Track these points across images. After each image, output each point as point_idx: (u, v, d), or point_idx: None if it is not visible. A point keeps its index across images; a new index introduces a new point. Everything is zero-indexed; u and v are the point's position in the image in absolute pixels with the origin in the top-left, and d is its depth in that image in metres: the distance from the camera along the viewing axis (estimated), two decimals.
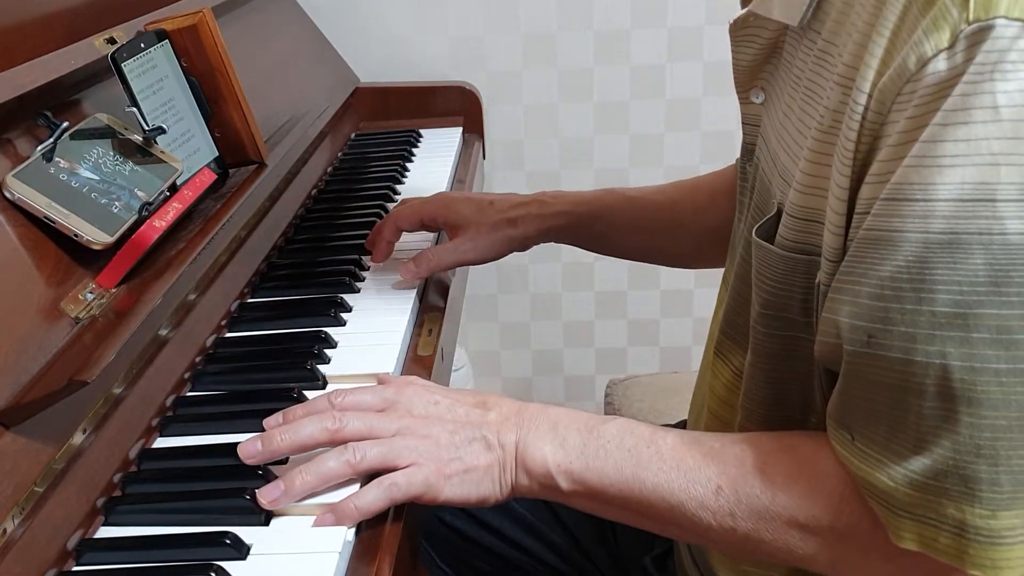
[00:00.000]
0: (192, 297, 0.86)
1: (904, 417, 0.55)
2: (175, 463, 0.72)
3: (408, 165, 1.38)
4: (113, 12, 0.93)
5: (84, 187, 0.75)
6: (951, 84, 0.51)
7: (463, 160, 1.46)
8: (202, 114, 0.95)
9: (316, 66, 1.48)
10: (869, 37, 0.56)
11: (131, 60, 0.86)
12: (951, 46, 0.50)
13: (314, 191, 1.26)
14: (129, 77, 0.85)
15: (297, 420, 0.68)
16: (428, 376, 0.85)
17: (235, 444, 0.72)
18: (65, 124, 0.76)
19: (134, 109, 0.85)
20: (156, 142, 0.86)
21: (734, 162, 1.02)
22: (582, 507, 0.69)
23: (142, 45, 0.88)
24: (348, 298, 0.95)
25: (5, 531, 0.57)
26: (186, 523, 0.65)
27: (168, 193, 0.84)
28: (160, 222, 0.80)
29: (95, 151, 0.79)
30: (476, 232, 0.98)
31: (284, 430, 0.67)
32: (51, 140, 0.75)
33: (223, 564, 0.60)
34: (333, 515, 0.64)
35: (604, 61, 1.69)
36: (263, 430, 0.73)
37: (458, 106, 1.60)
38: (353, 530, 0.65)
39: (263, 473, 0.67)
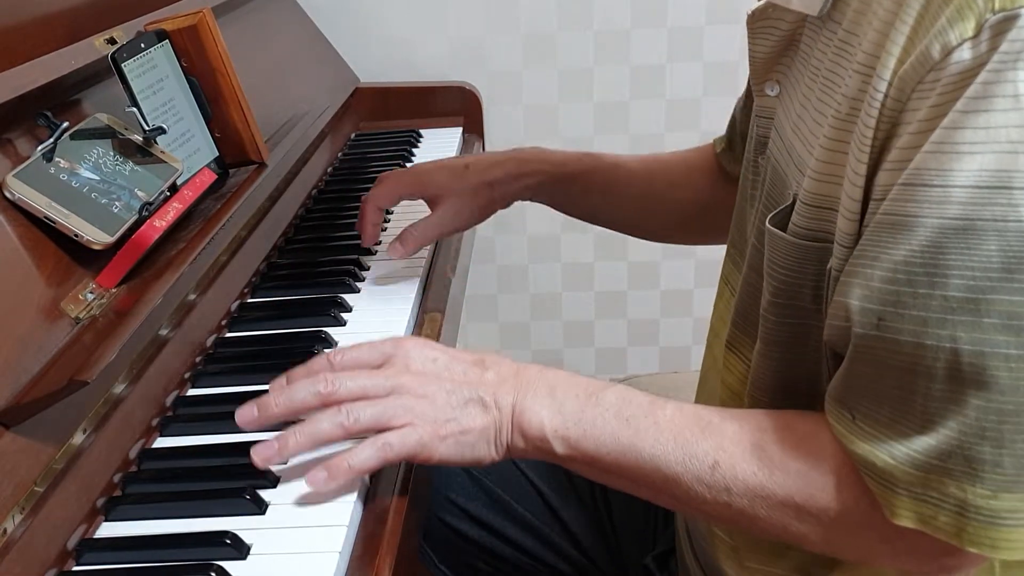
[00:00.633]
0: (192, 297, 0.86)
1: (911, 398, 0.55)
2: (175, 463, 0.72)
3: (408, 165, 1.38)
4: (113, 12, 0.93)
5: (84, 187, 0.75)
6: (974, 73, 0.51)
7: None
8: (202, 114, 0.95)
9: (316, 66, 1.48)
10: (891, 25, 0.56)
11: (131, 60, 0.86)
12: (976, 35, 0.51)
13: (314, 191, 1.26)
14: (129, 77, 0.85)
15: (292, 384, 0.68)
16: None
17: (235, 444, 0.73)
18: (65, 124, 0.76)
19: (134, 109, 0.85)
20: (156, 142, 0.86)
21: (712, 141, 1.03)
22: (577, 471, 0.69)
23: (142, 45, 0.88)
24: (348, 298, 0.95)
25: (5, 531, 0.57)
26: (186, 523, 0.65)
27: (168, 193, 0.84)
28: (160, 222, 0.80)
29: (95, 151, 0.79)
30: (457, 200, 0.97)
31: (279, 394, 0.67)
32: (51, 140, 0.75)
33: (223, 564, 0.60)
34: (326, 471, 0.65)
35: (604, 61, 1.69)
36: (263, 429, 0.73)
37: (458, 106, 1.60)
38: (360, 510, 0.65)
39: (263, 473, 0.67)
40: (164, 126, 0.86)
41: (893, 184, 0.55)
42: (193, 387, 0.81)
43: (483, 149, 1.58)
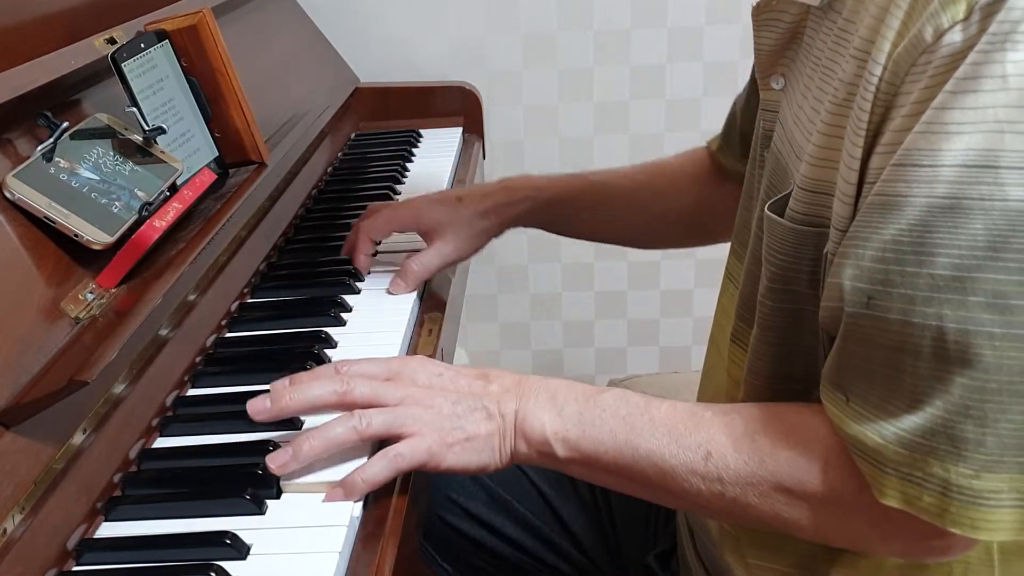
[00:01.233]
0: (192, 297, 0.86)
1: (899, 377, 0.56)
2: (175, 463, 0.72)
3: (408, 165, 1.38)
4: (113, 12, 0.93)
5: (84, 187, 0.75)
6: (964, 54, 0.52)
7: (463, 160, 1.46)
8: (202, 114, 0.95)
9: (316, 66, 1.48)
10: (886, 11, 0.57)
11: (131, 60, 0.86)
12: (966, 18, 0.52)
13: (314, 191, 1.26)
14: (129, 77, 0.85)
15: (305, 382, 0.70)
16: None
17: (235, 444, 0.73)
18: (65, 124, 0.76)
19: (134, 109, 0.85)
20: (156, 142, 0.86)
21: (705, 144, 1.03)
22: (578, 474, 0.71)
23: (142, 45, 0.88)
24: (348, 298, 0.95)
25: (5, 531, 0.57)
26: (186, 523, 0.65)
27: (168, 193, 0.84)
28: (160, 222, 0.80)
29: (95, 151, 0.79)
30: (454, 233, 0.99)
31: (293, 390, 0.69)
32: (51, 140, 0.75)
33: (223, 564, 0.60)
34: (342, 489, 0.66)
35: (604, 61, 1.69)
36: (263, 430, 0.73)
37: (458, 106, 1.60)
38: (360, 509, 0.65)
39: (263, 473, 0.67)
40: (164, 126, 0.86)
41: (885, 167, 0.56)
42: (193, 387, 0.81)
43: (483, 149, 1.58)
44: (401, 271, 0.97)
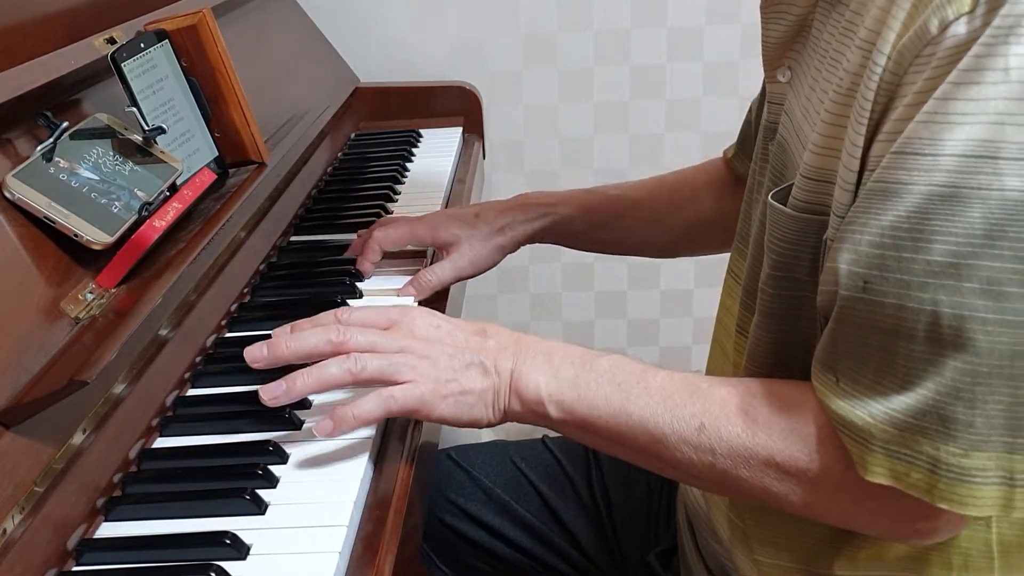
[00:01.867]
0: (192, 297, 0.86)
1: (892, 360, 0.57)
2: (175, 463, 0.72)
3: (408, 165, 1.38)
4: (113, 12, 0.93)
5: (84, 187, 0.75)
6: (968, 46, 0.53)
7: (463, 160, 1.46)
8: (202, 114, 0.95)
9: (316, 66, 1.48)
10: (893, 2, 0.58)
11: (131, 60, 0.86)
12: (971, 10, 0.53)
13: (314, 191, 1.26)
14: (129, 77, 0.85)
15: (304, 329, 0.72)
16: None
17: (235, 444, 0.73)
18: (65, 124, 0.76)
19: (134, 109, 0.85)
20: (156, 142, 0.86)
21: (722, 153, 1.04)
22: (569, 435, 0.72)
23: (142, 45, 0.88)
24: (348, 298, 0.95)
25: (5, 531, 0.57)
26: (186, 523, 0.65)
27: (168, 193, 0.84)
28: (160, 222, 0.80)
29: (95, 151, 0.79)
30: (470, 247, 1.00)
31: (290, 338, 0.71)
32: (51, 140, 0.75)
33: (223, 564, 0.60)
34: (331, 421, 0.69)
35: (604, 61, 1.69)
36: (263, 430, 0.73)
37: (458, 106, 1.60)
38: (360, 508, 0.65)
39: (263, 473, 0.68)
40: (164, 126, 0.86)
41: (885, 155, 0.57)
42: (193, 387, 0.81)
43: (483, 149, 1.58)
44: (414, 280, 0.97)
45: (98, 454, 0.67)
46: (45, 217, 0.71)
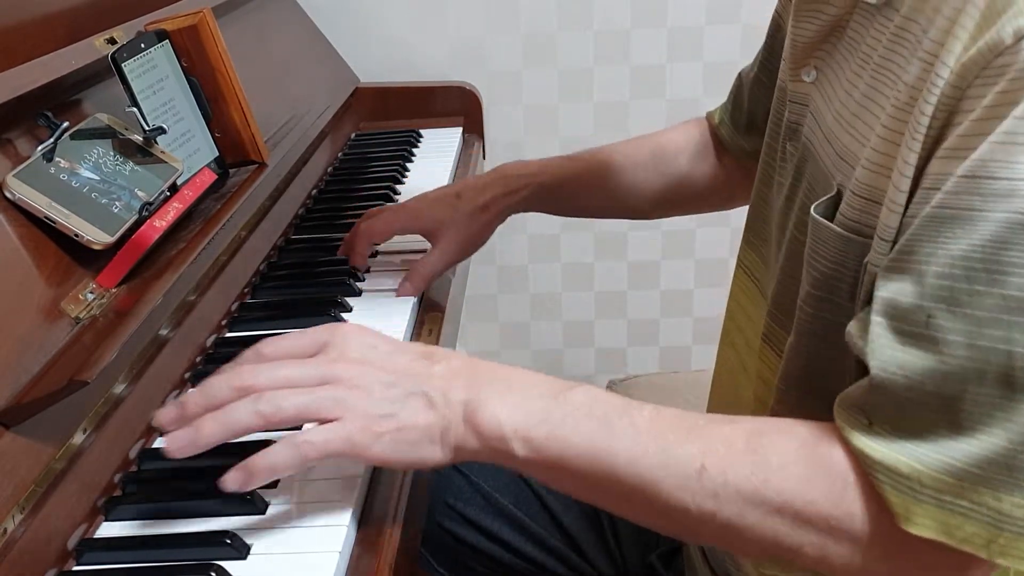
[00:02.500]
0: (192, 297, 0.86)
1: (953, 404, 0.52)
2: (175, 463, 0.72)
3: (408, 165, 1.38)
4: (113, 12, 0.93)
5: (84, 187, 0.75)
6: None
7: (463, 160, 1.46)
8: (202, 114, 0.95)
9: (316, 66, 1.48)
10: (961, 11, 0.53)
11: (131, 60, 0.86)
12: None
13: (314, 191, 1.26)
14: (129, 77, 0.85)
15: (211, 378, 0.62)
16: None
17: (235, 444, 0.72)
18: (65, 124, 0.76)
19: (134, 109, 0.85)
20: (156, 142, 0.86)
21: (709, 114, 1.04)
22: (537, 476, 0.63)
23: (142, 45, 0.88)
24: (348, 298, 0.95)
25: (5, 531, 0.57)
26: (186, 523, 0.65)
27: (168, 193, 0.84)
28: (160, 222, 0.80)
29: (95, 151, 0.79)
30: (456, 230, 0.98)
31: (197, 391, 0.62)
32: (51, 140, 0.75)
33: (223, 564, 0.60)
34: (243, 473, 0.60)
35: (604, 61, 1.69)
36: (265, 430, 0.73)
37: (458, 106, 1.60)
38: (360, 507, 0.65)
39: None
40: (164, 126, 0.86)
41: (947, 173, 0.52)
42: (193, 387, 0.81)
43: (483, 149, 1.58)
44: (409, 274, 0.97)
45: (98, 454, 0.67)
46: (45, 217, 0.71)
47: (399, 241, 1.05)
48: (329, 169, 1.36)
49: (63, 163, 0.75)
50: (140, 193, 0.80)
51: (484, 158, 1.59)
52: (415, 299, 0.96)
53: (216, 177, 0.94)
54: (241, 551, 0.62)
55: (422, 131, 1.52)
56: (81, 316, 0.70)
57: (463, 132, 1.55)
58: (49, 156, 0.74)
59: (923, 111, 0.54)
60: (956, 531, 0.53)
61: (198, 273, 0.88)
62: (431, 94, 1.61)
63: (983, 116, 0.51)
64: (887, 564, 0.57)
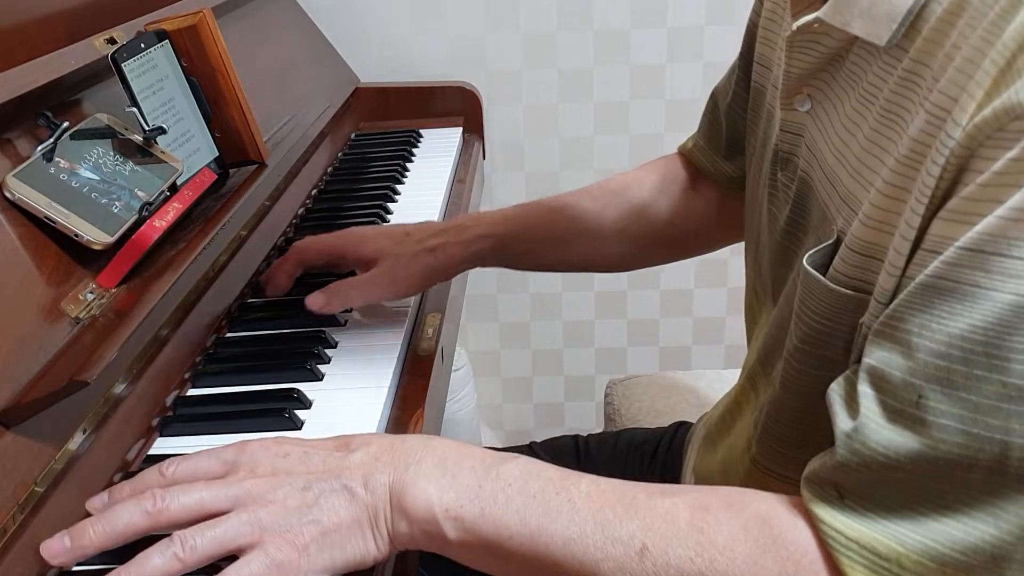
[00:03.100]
0: (192, 297, 0.86)
1: (939, 486, 0.49)
2: None
3: (408, 165, 1.38)
4: (113, 12, 0.93)
5: (84, 187, 0.75)
6: None
7: (463, 160, 1.46)
8: (202, 114, 0.95)
9: (316, 66, 1.48)
10: (976, 65, 0.49)
11: (131, 60, 0.86)
12: None
13: (314, 191, 1.26)
14: (129, 77, 0.85)
15: (115, 503, 0.59)
16: (427, 376, 0.85)
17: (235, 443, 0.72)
18: (65, 124, 0.76)
19: (134, 109, 0.85)
20: (156, 142, 0.86)
21: (678, 151, 0.98)
22: (471, 562, 0.59)
23: (142, 45, 0.88)
24: None
25: (5, 531, 0.57)
26: None
27: (168, 193, 0.84)
28: (160, 222, 0.80)
29: (95, 151, 0.79)
30: (394, 263, 0.90)
31: (97, 519, 0.57)
32: (51, 140, 0.75)
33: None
34: None
35: (604, 61, 1.69)
36: (263, 430, 0.72)
37: (458, 106, 1.60)
38: None
39: None
40: (164, 126, 0.86)
41: (948, 237, 0.49)
42: (193, 387, 0.81)
43: (483, 149, 1.58)
44: (328, 288, 0.89)
45: (98, 454, 0.67)
46: (45, 217, 0.71)
47: None
48: (329, 169, 1.36)
49: (63, 163, 0.75)
50: (140, 193, 0.80)
51: (484, 158, 1.59)
52: (415, 300, 0.96)
53: (216, 177, 0.94)
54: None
55: (422, 131, 1.52)
56: (81, 316, 0.70)
57: (463, 132, 1.55)
58: (49, 156, 0.74)
59: (930, 172, 0.50)
60: None
61: (198, 273, 0.88)
62: (431, 94, 1.61)
63: (991, 182, 0.47)
64: None
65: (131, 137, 0.84)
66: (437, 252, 0.91)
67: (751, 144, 0.82)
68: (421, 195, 1.28)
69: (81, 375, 0.62)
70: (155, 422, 0.75)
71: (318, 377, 0.81)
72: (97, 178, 0.77)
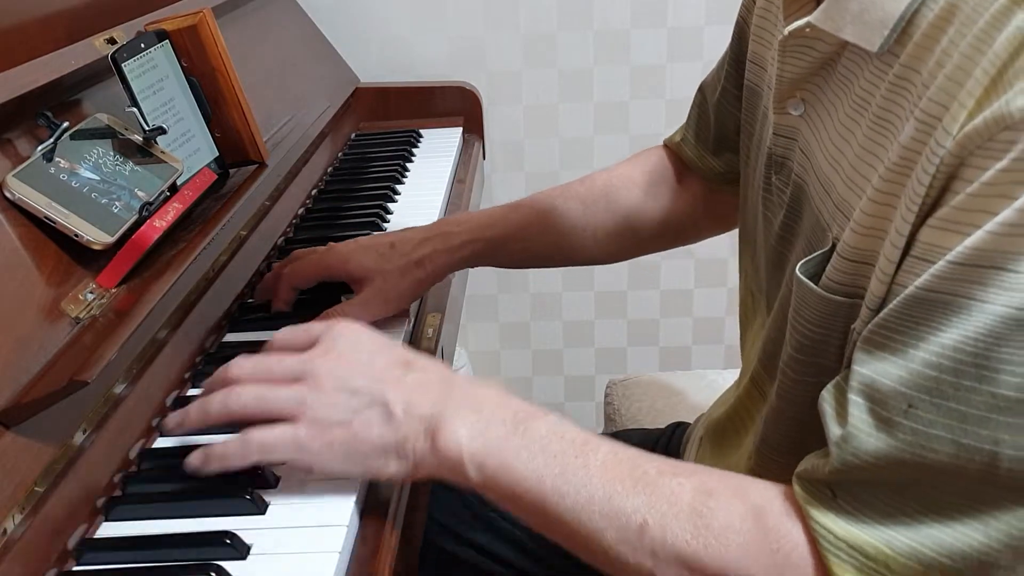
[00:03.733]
0: (192, 297, 0.86)
1: (929, 491, 0.50)
2: (175, 463, 0.72)
3: (408, 165, 1.38)
4: (113, 12, 0.93)
5: (84, 187, 0.75)
6: None
7: (463, 161, 1.46)
8: (202, 114, 0.95)
9: (316, 66, 1.49)
10: (968, 73, 0.49)
11: (131, 60, 0.86)
12: None
13: (314, 191, 1.26)
14: (129, 77, 0.85)
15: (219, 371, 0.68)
16: None
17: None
18: (65, 124, 0.76)
19: (134, 109, 0.85)
20: (156, 142, 0.86)
21: (662, 145, 0.99)
22: (491, 501, 0.63)
23: (142, 45, 0.88)
24: (348, 297, 0.95)
25: (5, 531, 0.57)
26: (186, 523, 0.65)
27: (168, 193, 0.84)
28: (160, 222, 0.80)
29: (95, 151, 0.79)
30: (383, 282, 0.89)
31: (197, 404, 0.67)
32: (51, 140, 0.75)
33: (223, 564, 0.60)
34: (200, 456, 0.64)
35: (604, 61, 1.69)
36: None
37: (458, 106, 1.61)
38: (360, 506, 0.65)
39: (262, 472, 0.67)
40: (164, 126, 0.86)
41: (938, 246, 0.49)
42: (193, 387, 0.81)
43: (483, 149, 1.58)
44: (322, 317, 0.88)
45: (98, 454, 0.67)
46: (45, 217, 0.71)
47: None
48: (329, 169, 1.36)
49: (63, 163, 0.75)
50: (140, 193, 0.80)
51: (484, 158, 1.59)
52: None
53: (216, 177, 0.94)
54: (241, 551, 0.62)
55: (422, 131, 1.52)
56: (81, 316, 0.70)
57: (463, 132, 1.55)
58: (49, 156, 0.74)
59: (920, 180, 0.50)
60: None
61: (198, 273, 0.88)
62: (431, 94, 1.61)
63: (980, 192, 0.47)
64: None
65: (131, 137, 0.84)
66: (424, 263, 0.91)
67: (745, 145, 0.81)
68: (421, 195, 1.28)
69: (81, 375, 0.62)
70: (155, 422, 0.75)
71: None
72: (97, 178, 0.77)
